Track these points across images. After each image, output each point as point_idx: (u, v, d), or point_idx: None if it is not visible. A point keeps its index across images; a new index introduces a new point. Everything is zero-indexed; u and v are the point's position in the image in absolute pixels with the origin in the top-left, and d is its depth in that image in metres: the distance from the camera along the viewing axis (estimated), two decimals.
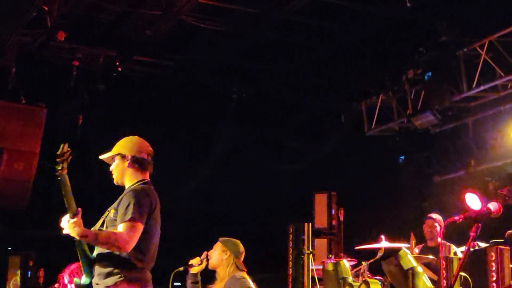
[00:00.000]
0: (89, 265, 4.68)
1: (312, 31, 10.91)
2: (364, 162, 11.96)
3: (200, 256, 6.19)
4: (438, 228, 8.20)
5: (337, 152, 12.45)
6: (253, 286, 6.02)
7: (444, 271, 6.19)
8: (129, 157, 4.85)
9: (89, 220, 4.83)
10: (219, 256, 6.17)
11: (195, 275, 6.19)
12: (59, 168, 4.64)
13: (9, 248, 12.02)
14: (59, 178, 4.62)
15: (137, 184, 4.80)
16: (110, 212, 4.73)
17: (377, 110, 11.66)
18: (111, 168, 4.94)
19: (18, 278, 10.34)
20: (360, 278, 7.48)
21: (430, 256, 7.63)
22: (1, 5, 9.60)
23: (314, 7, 10.16)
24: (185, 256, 6.32)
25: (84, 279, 4.67)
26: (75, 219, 4.53)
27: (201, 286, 6.17)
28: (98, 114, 12.32)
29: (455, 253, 6.81)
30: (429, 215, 8.88)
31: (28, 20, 9.67)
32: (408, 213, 10.68)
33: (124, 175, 4.87)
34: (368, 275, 7.47)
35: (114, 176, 4.92)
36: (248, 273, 6.12)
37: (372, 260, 7.55)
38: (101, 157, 5.01)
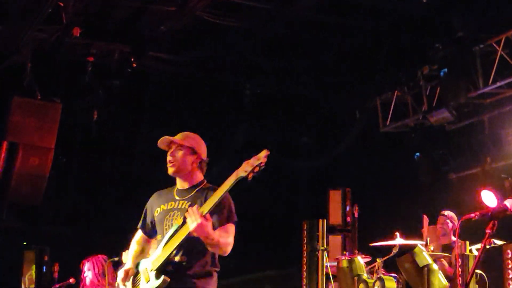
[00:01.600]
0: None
1: (327, 28, 10.87)
2: (379, 159, 11.92)
3: None
4: (450, 225, 8.16)
5: (352, 148, 12.41)
6: None
7: (459, 269, 6.16)
8: (201, 158, 4.85)
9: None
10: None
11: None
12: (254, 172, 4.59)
13: (24, 243, 12.08)
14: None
15: (204, 184, 4.83)
16: (188, 205, 4.66)
17: (392, 107, 11.60)
18: (172, 156, 4.83)
19: (33, 273, 10.38)
20: (375, 275, 7.47)
21: (445, 253, 7.61)
22: (17, 2, 9.66)
23: (329, 4, 10.13)
24: None
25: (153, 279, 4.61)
26: (209, 222, 4.46)
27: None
28: (113, 110, 12.37)
29: (470, 251, 6.77)
30: (441, 212, 8.86)
31: (44, 17, 9.72)
32: (423, 210, 10.63)
33: (188, 170, 4.81)
34: (383, 272, 7.46)
35: (173, 165, 4.83)
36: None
37: (387, 257, 7.54)
38: (171, 138, 4.90)
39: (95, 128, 12.02)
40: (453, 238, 7.93)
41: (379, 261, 7.58)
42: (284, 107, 12.99)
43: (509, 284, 6.26)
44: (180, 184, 4.87)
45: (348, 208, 10.05)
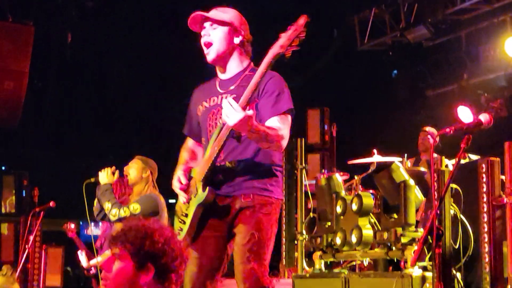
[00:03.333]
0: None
1: None
2: (357, 77, 11.93)
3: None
4: (431, 141, 8.24)
5: (329, 67, 12.39)
6: (164, 207, 6.24)
7: (435, 183, 6.23)
8: (243, 36, 4.09)
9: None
10: (139, 173, 6.36)
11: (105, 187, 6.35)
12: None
13: (3, 168, 12.08)
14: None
15: (251, 69, 4.04)
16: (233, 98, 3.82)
17: (369, 25, 11.53)
18: (207, 37, 4.04)
19: (13, 198, 10.39)
20: (353, 192, 7.55)
21: (422, 168, 7.69)
22: None
23: None
24: None
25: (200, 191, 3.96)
26: (250, 112, 3.68)
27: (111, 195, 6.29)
28: (87, 32, 12.20)
29: (446, 166, 6.84)
30: (422, 128, 8.93)
31: None
32: (401, 127, 10.71)
33: (228, 52, 4.05)
34: (361, 189, 7.53)
35: (210, 49, 4.03)
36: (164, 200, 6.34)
37: (364, 174, 7.61)
38: (205, 13, 4.06)
39: (69, 50, 11.87)
40: (434, 155, 8.02)
41: (357, 178, 7.65)
42: (258, 23, 12.83)
43: (483, 197, 6.35)
44: (222, 73, 4.11)
45: (326, 127, 10.05)
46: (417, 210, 6.89)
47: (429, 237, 3.89)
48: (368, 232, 6.87)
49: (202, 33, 4.08)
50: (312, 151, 9.62)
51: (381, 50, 11.72)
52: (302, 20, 3.88)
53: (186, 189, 4.08)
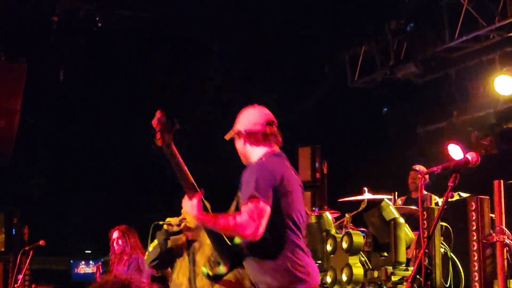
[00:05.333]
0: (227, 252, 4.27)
1: None
2: (348, 114, 11.96)
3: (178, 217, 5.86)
4: (422, 180, 8.25)
5: (320, 105, 12.43)
6: None
7: (425, 221, 6.24)
8: (244, 133, 4.41)
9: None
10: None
11: (169, 233, 5.81)
12: (157, 138, 4.16)
13: None
14: (161, 149, 4.08)
15: (260, 159, 4.34)
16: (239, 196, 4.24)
17: (360, 61, 11.61)
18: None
19: (3, 236, 10.35)
20: (343, 230, 7.54)
21: (413, 207, 7.70)
22: None
23: None
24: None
25: (220, 269, 4.29)
26: (193, 201, 4.11)
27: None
28: (79, 70, 12.25)
29: (436, 203, 6.86)
30: (413, 167, 8.95)
31: None
32: (392, 164, 10.73)
33: (246, 154, 4.41)
34: (351, 227, 7.53)
35: (241, 158, 4.48)
36: None
37: (355, 212, 7.61)
38: (226, 137, 4.52)
39: (61, 88, 11.91)
40: (424, 192, 8.04)
41: (347, 216, 7.65)
42: (251, 63, 12.94)
43: (473, 236, 6.36)
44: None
45: (317, 165, 10.09)
46: (407, 248, 6.90)
47: (418, 276, 3.88)
48: (358, 270, 6.86)
49: None
50: (303, 189, 9.62)
51: (371, 87, 11.79)
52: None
53: None
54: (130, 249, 7.80)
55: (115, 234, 7.92)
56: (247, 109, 4.49)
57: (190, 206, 4.12)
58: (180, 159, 4.16)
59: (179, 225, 5.91)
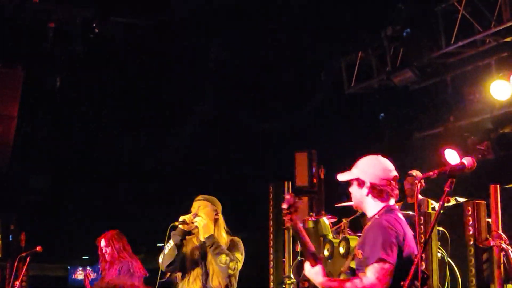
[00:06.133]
0: None
1: None
2: (344, 120, 11.98)
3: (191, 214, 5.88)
4: (418, 185, 8.25)
5: (317, 111, 12.45)
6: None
7: (421, 226, 6.25)
8: (368, 184, 4.42)
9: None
10: (211, 216, 5.89)
11: (183, 232, 5.86)
12: (286, 219, 4.38)
13: None
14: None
15: (379, 213, 4.39)
16: (358, 253, 4.33)
17: (356, 68, 11.64)
18: (351, 190, 4.50)
19: (0, 242, 10.33)
20: (341, 235, 7.54)
21: (410, 212, 7.70)
22: None
23: None
24: (170, 215, 6.17)
25: None
26: (316, 269, 4.32)
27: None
28: (76, 77, 12.26)
29: (433, 208, 6.87)
30: (409, 172, 8.96)
31: None
32: None
33: (362, 203, 4.45)
34: (349, 232, 7.53)
35: (353, 200, 4.52)
36: (228, 234, 6.05)
37: (352, 217, 7.61)
38: (339, 178, 4.58)
39: (58, 95, 11.90)
40: (421, 197, 8.04)
41: (345, 221, 7.65)
42: (249, 70, 12.96)
43: (470, 240, 6.37)
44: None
45: (314, 170, 10.06)
46: None
47: (415, 281, 3.89)
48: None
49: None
50: (300, 194, 9.61)
51: (368, 93, 11.81)
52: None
53: None
54: (118, 254, 7.82)
55: (103, 243, 7.94)
56: (372, 157, 4.56)
57: (314, 274, 4.31)
58: (304, 233, 4.38)
59: (192, 222, 5.86)
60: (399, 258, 4.14)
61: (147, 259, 6.13)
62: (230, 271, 5.69)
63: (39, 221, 13.27)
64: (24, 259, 8.52)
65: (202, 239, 5.80)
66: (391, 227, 4.22)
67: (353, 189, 4.45)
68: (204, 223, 5.76)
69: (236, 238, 5.93)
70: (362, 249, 4.25)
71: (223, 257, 5.68)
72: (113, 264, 7.82)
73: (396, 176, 4.46)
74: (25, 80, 10.70)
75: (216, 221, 5.88)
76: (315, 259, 4.33)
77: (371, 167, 4.46)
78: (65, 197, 14.18)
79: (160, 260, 5.85)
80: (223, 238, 5.86)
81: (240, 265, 5.74)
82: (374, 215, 4.36)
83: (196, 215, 5.85)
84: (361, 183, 4.41)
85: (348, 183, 4.51)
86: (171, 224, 5.80)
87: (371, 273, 4.11)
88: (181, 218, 5.84)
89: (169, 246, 5.83)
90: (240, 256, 5.77)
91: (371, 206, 4.39)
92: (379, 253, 4.12)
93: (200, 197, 5.99)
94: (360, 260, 4.25)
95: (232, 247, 5.80)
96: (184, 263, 5.85)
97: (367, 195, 4.38)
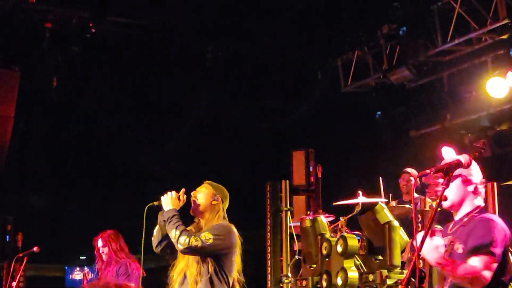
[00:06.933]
0: None
1: None
2: (341, 119, 12.00)
3: (176, 192, 5.68)
4: (413, 182, 8.27)
5: (314, 109, 12.46)
6: (239, 242, 5.68)
7: (419, 224, 6.25)
8: (477, 184, 4.48)
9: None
10: (208, 200, 5.69)
11: (170, 211, 5.62)
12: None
13: None
14: None
15: (475, 211, 4.45)
16: (458, 248, 4.34)
17: (352, 66, 11.65)
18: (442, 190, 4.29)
19: None
20: (338, 233, 7.53)
21: (407, 205, 7.71)
22: None
23: None
24: None
25: None
26: (437, 240, 4.26)
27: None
28: (73, 77, 12.25)
29: (430, 206, 6.86)
30: (404, 170, 8.97)
31: None
32: (385, 168, 10.75)
33: (463, 200, 4.48)
34: (346, 231, 7.52)
35: (449, 198, 4.39)
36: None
37: (349, 216, 7.60)
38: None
39: (55, 95, 11.89)
40: (416, 195, 8.05)
41: (342, 219, 7.64)
42: (246, 69, 12.97)
43: None
44: (456, 214, 4.57)
45: (311, 169, 10.07)
46: (402, 251, 6.90)
47: (412, 279, 3.89)
48: (353, 274, 6.85)
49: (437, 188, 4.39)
50: (297, 193, 9.63)
51: (364, 91, 11.83)
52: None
53: None
54: (115, 255, 7.82)
55: (99, 243, 7.95)
56: (467, 156, 4.39)
57: (433, 247, 4.22)
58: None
59: (179, 198, 5.71)
60: (502, 260, 4.26)
61: (145, 259, 6.07)
62: (179, 246, 5.39)
63: (36, 221, 13.26)
64: (21, 260, 8.51)
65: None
66: (503, 227, 4.32)
67: (456, 187, 4.44)
68: (170, 196, 5.59)
69: (222, 224, 5.64)
70: (464, 244, 4.29)
71: (172, 232, 5.44)
72: (110, 264, 7.82)
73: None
74: (22, 80, 10.69)
75: (213, 206, 5.69)
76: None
77: (475, 169, 4.52)
78: (62, 197, 14.17)
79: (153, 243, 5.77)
80: (210, 223, 5.63)
81: (200, 243, 5.35)
82: (470, 212, 4.42)
83: (184, 191, 5.72)
84: (467, 181, 4.45)
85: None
86: (148, 205, 5.69)
87: (480, 264, 4.17)
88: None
89: (156, 227, 5.78)
90: (207, 235, 5.41)
91: (470, 203, 4.45)
92: (489, 247, 4.20)
93: (206, 181, 5.85)
94: (461, 254, 4.27)
95: (207, 229, 5.52)
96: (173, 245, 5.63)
97: (473, 193, 4.46)
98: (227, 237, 5.57)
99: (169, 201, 5.60)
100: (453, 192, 4.43)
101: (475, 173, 4.49)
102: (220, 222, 5.65)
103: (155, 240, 5.75)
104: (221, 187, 5.85)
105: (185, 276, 5.60)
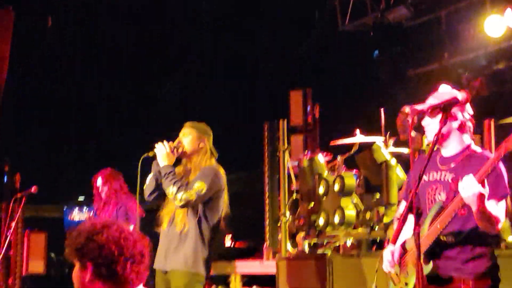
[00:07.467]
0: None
1: None
2: (338, 58, 11.94)
3: (170, 142, 5.71)
4: (410, 121, 8.24)
5: (311, 48, 12.39)
6: (225, 182, 5.75)
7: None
8: (462, 120, 4.30)
9: None
10: (195, 144, 5.73)
11: (167, 167, 5.65)
12: None
13: None
14: None
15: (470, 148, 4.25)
16: (451, 178, 4.16)
17: (350, 5, 11.52)
18: (428, 126, 4.41)
19: None
20: (336, 172, 7.57)
21: (404, 149, 7.72)
22: None
23: None
24: None
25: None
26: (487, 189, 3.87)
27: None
28: (68, 16, 12.13)
29: (427, 144, 6.88)
30: (401, 109, 8.94)
31: None
32: (383, 107, 10.74)
33: (447, 136, 4.29)
34: (344, 169, 7.57)
35: (432, 133, 4.31)
36: (225, 172, 5.96)
37: (347, 155, 7.64)
38: (418, 107, 4.43)
39: (50, 34, 11.77)
40: (414, 134, 8.05)
41: (339, 158, 7.68)
42: (241, 8, 12.85)
43: None
44: (443, 150, 4.36)
45: (309, 108, 10.06)
46: (399, 189, 6.95)
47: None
48: (350, 212, 6.92)
49: (423, 123, 4.45)
50: (295, 133, 9.64)
51: (362, 31, 11.73)
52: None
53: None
54: (115, 194, 7.74)
55: (99, 181, 7.85)
56: (455, 90, 4.45)
57: (481, 194, 3.86)
58: None
59: (173, 151, 5.77)
60: None
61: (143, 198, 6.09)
62: (176, 202, 5.49)
63: (34, 162, 13.29)
64: (19, 200, 8.53)
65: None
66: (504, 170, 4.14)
67: (436, 121, 4.31)
68: (166, 152, 5.59)
69: (211, 167, 5.68)
70: (486, 176, 4.02)
71: (170, 188, 5.49)
72: (109, 204, 7.75)
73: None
74: (16, 20, 10.56)
75: (200, 149, 5.71)
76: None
77: (461, 103, 4.35)
78: (60, 137, 14.17)
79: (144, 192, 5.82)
80: (199, 166, 5.68)
81: (195, 196, 5.45)
82: (463, 150, 4.26)
83: (179, 142, 5.73)
84: (451, 116, 4.30)
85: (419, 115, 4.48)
86: (143, 156, 5.71)
87: (502, 207, 4.05)
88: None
89: (149, 176, 5.82)
90: (200, 185, 5.49)
91: (457, 141, 4.31)
92: (506, 190, 4.09)
93: (187, 123, 5.84)
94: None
95: (198, 176, 5.58)
96: (165, 195, 5.71)
97: (457, 128, 4.30)
98: (217, 182, 5.63)
99: (164, 156, 5.61)
100: (437, 127, 4.31)
101: (462, 109, 4.35)
102: (208, 163, 5.69)
103: (147, 189, 5.79)
104: (203, 126, 5.85)
105: (174, 217, 5.67)
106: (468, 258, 4.09)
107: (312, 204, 7.45)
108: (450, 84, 9.14)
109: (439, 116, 4.26)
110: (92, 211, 8.30)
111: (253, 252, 8.93)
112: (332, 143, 7.99)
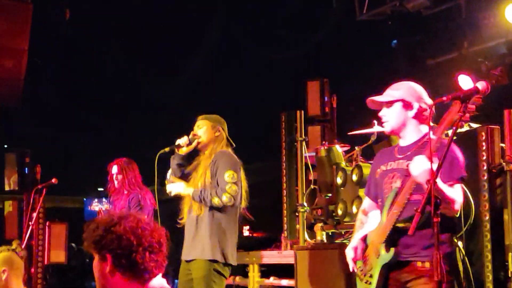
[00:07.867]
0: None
1: None
2: (356, 48, 11.88)
3: (188, 136, 5.90)
4: (428, 111, 8.20)
5: (329, 38, 12.35)
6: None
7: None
8: (416, 106, 4.44)
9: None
10: (210, 134, 5.92)
11: (181, 156, 5.91)
12: None
13: (5, 146, 12.11)
14: None
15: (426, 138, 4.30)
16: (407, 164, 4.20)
17: None
18: (384, 117, 4.48)
19: (16, 176, 10.42)
20: (353, 163, 7.55)
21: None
22: None
23: None
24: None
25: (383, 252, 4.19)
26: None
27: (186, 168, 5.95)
28: (86, 8, 12.16)
29: (446, 135, 6.85)
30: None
31: None
32: None
33: (405, 126, 4.43)
34: (361, 160, 7.54)
35: (389, 123, 4.46)
36: (242, 163, 6.05)
37: (365, 145, 7.61)
38: (375, 98, 4.54)
39: (68, 27, 11.82)
40: (432, 124, 8.00)
41: (357, 149, 7.65)
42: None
43: (483, 165, 6.37)
44: (401, 139, 4.51)
45: (326, 98, 10.02)
46: None
47: (427, 206, 3.89)
48: None
49: (380, 113, 4.53)
50: (312, 123, 9.61)
51: (380, 19, 11.65)
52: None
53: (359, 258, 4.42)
54: (128, 184, 7.74)
55: (114, 169, 7.86)
56: (412, 83, 4.59)
57: (420, 164, 3.97)
58: None
59: (190, 144, 5.85)
60: None
61: (159, 189, 6.16)
62: (228, 204, 5.72)
63: (54, 154, 13.38)
64: (40, 191, 8.62)
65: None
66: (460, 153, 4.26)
67: (393, 111, 4.42)
68: (179, 189, 5.79)
69: (227, 153, 5.87)
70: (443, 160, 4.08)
71: (214, 202, 5.67)
72: (122, 193, 7.74)
73: (432, 104, 4.37)
74: (34, 13, 10.60)
75: (216, 138, 5.90)
76: None
77: (416, 91, 4.52)
78: (80, 129, 14.25)
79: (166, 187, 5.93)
80: (215, 151, 5.84)
81: (229, 198, 5.69)
82: (420, 139, 4.37)
83: (195, 134, 5.86)
84: (407, 105, 4.42)
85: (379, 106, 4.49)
86: (159, 152, 5.80)
87: (459, 189, 4.16)
88: (177, 142, 5.86)
89: (169, 172, 5.91)
90: (231, 186, 5.69)
91: (413, 131, 4.41)
92: (463, 173, 4.21)
93: (199, 117, 5.99)
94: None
95: (222, 167, 5.74)
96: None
97: (414, 117, 4.41)
98: (239, 172, 5.82)
99: (184, 187, 5.80)
100: (393, 116, 4.43)
101: (417, 96, 4.47)
102: (225, 150, 5.86)
103: (169, 187, 5.92)
104: (215, 117, 6.00)
105: (191, 203, 5.76)
106: (427, 245, 4.10)
107: (329, 194, 7.43)
108: (470, 73, 9.10)
109: (396, 106, 4.39)
110: (109, 202, 8.33)
111: (271, 242, 8.94)
112: (350, 133, 7.96)
